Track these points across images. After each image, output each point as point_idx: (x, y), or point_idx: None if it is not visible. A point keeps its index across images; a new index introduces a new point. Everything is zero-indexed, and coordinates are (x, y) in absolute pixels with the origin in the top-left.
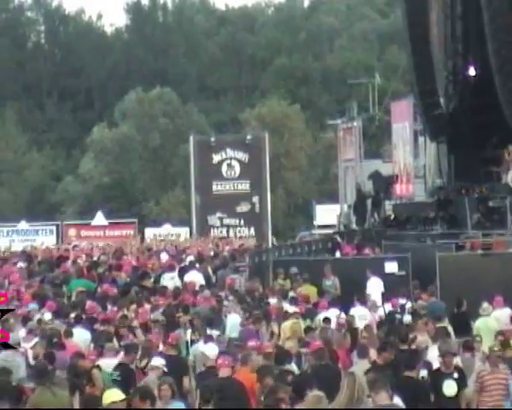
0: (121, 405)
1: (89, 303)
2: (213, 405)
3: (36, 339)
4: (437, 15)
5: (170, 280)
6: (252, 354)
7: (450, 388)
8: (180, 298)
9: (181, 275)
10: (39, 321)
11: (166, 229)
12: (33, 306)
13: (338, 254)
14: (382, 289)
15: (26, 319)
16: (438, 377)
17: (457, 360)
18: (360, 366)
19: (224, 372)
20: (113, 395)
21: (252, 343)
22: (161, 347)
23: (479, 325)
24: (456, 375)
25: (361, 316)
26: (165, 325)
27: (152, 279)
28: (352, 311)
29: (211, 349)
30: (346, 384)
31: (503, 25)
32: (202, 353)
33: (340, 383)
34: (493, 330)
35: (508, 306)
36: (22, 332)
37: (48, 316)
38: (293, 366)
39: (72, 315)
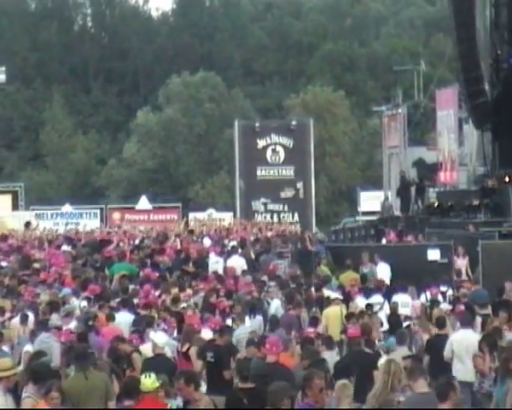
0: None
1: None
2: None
3: (74, 322)
4: (483, 3)
5: (215, 264)
6: (292, 339)
7: None
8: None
9: (224, 260)
10: (79, 305)
11: (210, 214)
12: (66, 290)
13: (383, 241)
14: (390, 274)
15: (58, 304)
16: None
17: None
18: (399, 353)
19: (271, 358)
20: (149, 382)
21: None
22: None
23: None
24: None
25: (403, 303)
26: (206, 309)
27: (194, 264)
28: (395, 298)
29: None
30: (383, 371)
31: None
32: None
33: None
34: None
35: None
36: (54, 316)
37: (83, 304)
38: (334, 353)
39: (116, 299)
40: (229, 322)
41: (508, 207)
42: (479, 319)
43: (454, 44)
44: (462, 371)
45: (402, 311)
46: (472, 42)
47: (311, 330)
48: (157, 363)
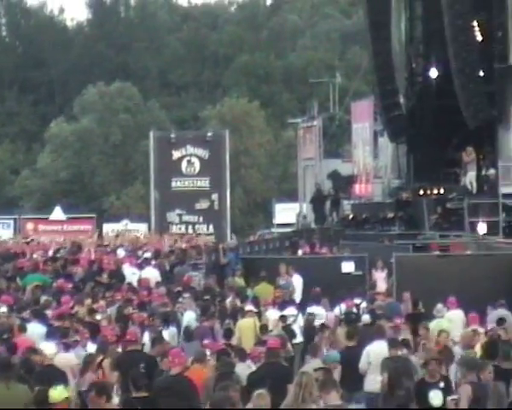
0: (66, 403)
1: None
2: (162, 402)
3: None
4: (398, 16)
5: (131, 275)
6: (205, 351)
7: (436, 398)
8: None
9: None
10: None
11: (125, 224)
12: None
13: (299, 253)
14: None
15: None
16: (423, 387)
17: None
18: (312, 365)
19: (174, 370)
20: (57, 393)
21: (205, 342)
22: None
23: (432, 326)
24: (442, 384)
25: (317, 315)
26: (120, 321)
27: (108, 275)
28: (309, 310)
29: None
30: (295, 383)
31: (463, 27)
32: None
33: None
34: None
35: (462, 307)
36: None
37: (3, 309)
38: (249, 364)
39: (28, 310)
40: (146, 334)
41: (422, 219)
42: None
43: (370, 57)
44: (377, 382)
45: (315, 323)
46: (387, 55)
47: (224, 341)
48: (49, 374)
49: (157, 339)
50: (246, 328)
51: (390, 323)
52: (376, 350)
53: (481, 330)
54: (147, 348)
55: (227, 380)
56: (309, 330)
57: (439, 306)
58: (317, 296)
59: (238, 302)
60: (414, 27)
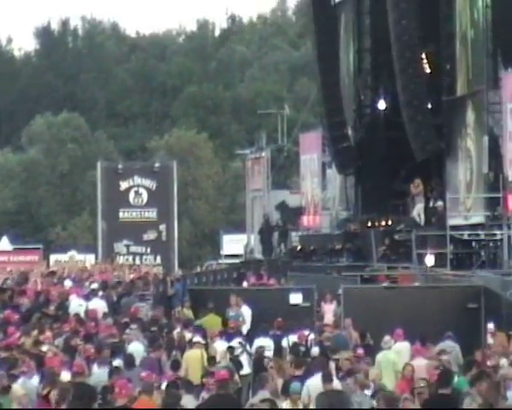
0: None
1: None
2: None
3: None
4: (346, 48)
5: (78, 307)
6: (152, 382)
7: None
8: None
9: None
10: None
11: (72, 255)
12: None
13: (244, 284)
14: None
15: None
16: None
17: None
18: (258, 397)
19: (120, 401)
20: None
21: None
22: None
23: (379, 358)
24: None
25: (265, 347)
26: (67, 352)
27: (56, 307)
28: (256, 341)
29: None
30: None
31: (411, 59)
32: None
33: None
34: (392, 363)
35: (409, 339)
36: None
37: None
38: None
39: None
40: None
41: (370, 251)
42: (332, 364)
43: (318, 89)
44: None
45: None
46: (336, 87)
47: (171, 373)
48: None
49: (115, 371)
50: (193, 359)
51: (336, 355)
52: (316, 384)
53: (424, 361)
54: (95, 380)
55: None
56: (258, 362)
57: (387, 337)
58: (265, 328)
59: (185, 334)
60: (362, 59)
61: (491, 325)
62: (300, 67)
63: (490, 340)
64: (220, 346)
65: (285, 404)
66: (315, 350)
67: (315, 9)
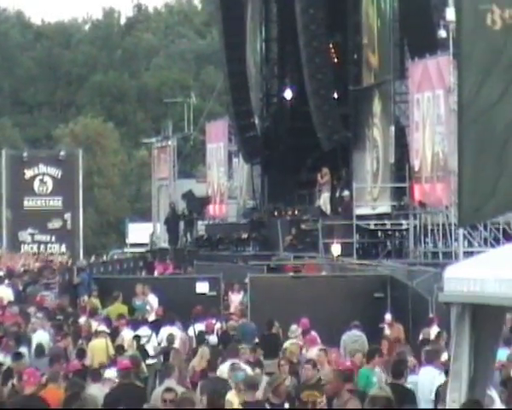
0: None
1: None
2: None
3: None
4: (253, 37)
5: None
6: (59, 371)
7: None
8: None
9: None
10: None
11: None
12: None
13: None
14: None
15: None
16: None
17: None
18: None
19: (28, 389)
20: None
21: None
22: None
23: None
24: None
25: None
26: None
27: None
28: (162, 331)
29: None
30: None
31: (318, 49)
32: None
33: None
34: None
35: (315, 328)
36: None
37: None
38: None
39: None
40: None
41: (276, 240)
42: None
43: (224, 78)
44: None
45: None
46: (242, 76)
47: (77, 362)
48: None
49: (16, 356)
50: (98, 348)
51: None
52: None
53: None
54: None
55: (75, 401)
56: (168, 351)
57: (294, 326)
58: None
59: (92, 322)
60: (269, 49)
61: (388, 316)
62: (207, 55)
63: (387, 331)
64: (127, 335)
65: None
66: (212, 339)
67: None
